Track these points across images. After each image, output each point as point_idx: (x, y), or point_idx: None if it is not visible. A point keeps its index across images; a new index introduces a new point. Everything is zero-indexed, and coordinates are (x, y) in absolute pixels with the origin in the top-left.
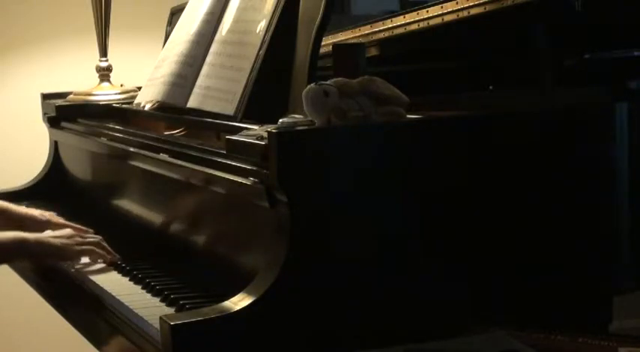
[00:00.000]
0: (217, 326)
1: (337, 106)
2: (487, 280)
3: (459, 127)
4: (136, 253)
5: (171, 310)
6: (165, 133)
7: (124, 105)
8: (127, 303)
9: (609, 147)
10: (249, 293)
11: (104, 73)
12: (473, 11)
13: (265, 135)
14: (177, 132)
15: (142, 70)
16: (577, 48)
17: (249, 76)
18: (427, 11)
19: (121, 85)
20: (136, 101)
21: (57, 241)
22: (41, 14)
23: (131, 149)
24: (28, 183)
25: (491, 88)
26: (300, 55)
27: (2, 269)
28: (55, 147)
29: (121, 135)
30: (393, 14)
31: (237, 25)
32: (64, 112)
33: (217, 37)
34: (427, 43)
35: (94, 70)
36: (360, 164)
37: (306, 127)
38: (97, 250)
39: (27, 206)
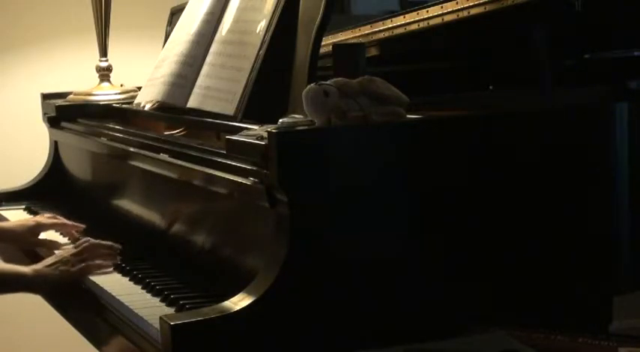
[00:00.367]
0: (217, 326)
1: (337, 106)
2: (487, 280)
3: (459, 127)
4: (136, 253)
5: (171, 310)
6: (165, 133)
7: (124, 105)
8: (127, 303)
9: (609, 147)
10: (249, 293)
11: (104, 73)
12: (473, 11)
13: (265, 135)
14: (177, 132)
15: (142, 70)
16: (577, 48)
17: (249, 76)
18: (427, 11)
19: (121, 85)
20: (136, 101)
21: (54, 271)
22: (41, 14)
23: (131, 149)
24: (28, 183)
25: (491, 87)
26: (300, 55)
27: None
28: (55, 147)
29: (121, 135)
30: (393, 14)
31: (237, 25)
32: (64, 112)
33: (217, 37)
34: (427, 43)
35: (94, 70)
36: (360, 164)
37: (306, 127)
38: (96, 263)
39: (27, 206)
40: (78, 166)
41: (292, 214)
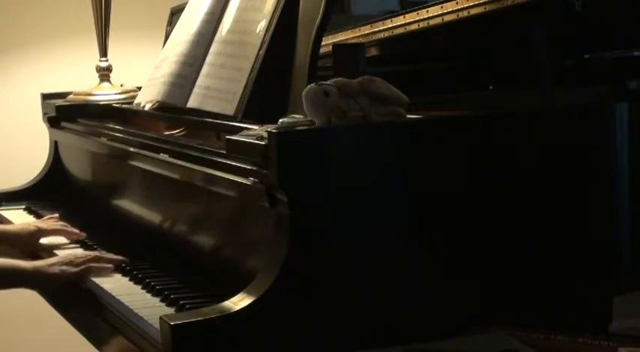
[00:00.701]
0: (217, 326)
1: (337, 106)
2: (487, 280)
3: (459, 127)
4: (136, 253)
5: (171, 310)
6: (165, 133)
7: (124, 105)
8: (127, 303)
9: (609, 147)
10: (249, 293)
11: (104, 73)
12: (473, 11)
13: (265, 135)
14: (177, 132)
15: (142, 70)
16: (577, 48)
17: (249, 76)
18: (427, 11)
19: (121, 85)
20: (136, 101)
21: (55, 269)
22: (41, 14)
23: (131, 149)
24: (28, 183)
25: (491, 88)
26: (300, 55)
27: None
28: (55, 147)
29: (121, 135)
30: (393, 14)
31: (237, 25)
32: (64, 112)
33: (217, 37)
34: (427, 43)
35: (94, 70)
36: (360, 164)
37: (306, 127)
38: (97, 265)
39: (27, 206)
40: (78, 166)
41: (292, 214)
